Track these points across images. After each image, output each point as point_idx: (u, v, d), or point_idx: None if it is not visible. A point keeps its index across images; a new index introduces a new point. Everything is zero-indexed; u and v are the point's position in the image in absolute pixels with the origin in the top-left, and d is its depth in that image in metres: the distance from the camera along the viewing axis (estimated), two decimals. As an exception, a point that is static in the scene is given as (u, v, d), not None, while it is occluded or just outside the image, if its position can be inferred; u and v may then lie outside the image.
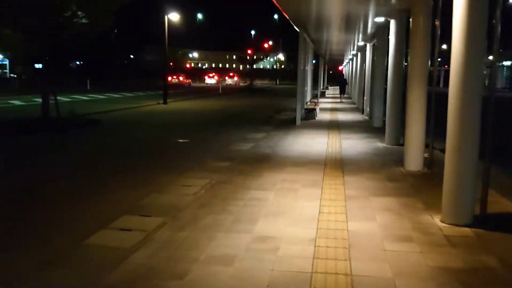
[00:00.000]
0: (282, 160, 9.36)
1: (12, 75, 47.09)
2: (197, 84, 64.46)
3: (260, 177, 7.77)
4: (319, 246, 4.58)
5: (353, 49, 26.58)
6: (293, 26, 16.18)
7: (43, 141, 12.01)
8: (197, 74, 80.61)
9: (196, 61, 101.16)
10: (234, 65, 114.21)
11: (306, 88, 20.59)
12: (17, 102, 25.42)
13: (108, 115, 19.03)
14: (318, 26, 15.72)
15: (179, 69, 74.02)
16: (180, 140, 12.16)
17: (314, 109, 18.28)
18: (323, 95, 37.16)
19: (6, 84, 37.43)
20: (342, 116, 19.57)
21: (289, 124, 16.25)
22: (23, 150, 10.73)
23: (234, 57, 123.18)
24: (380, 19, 12.62)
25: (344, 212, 5.77)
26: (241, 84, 67.96)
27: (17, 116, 16.05)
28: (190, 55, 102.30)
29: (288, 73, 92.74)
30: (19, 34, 32.37)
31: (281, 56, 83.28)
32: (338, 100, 30.80)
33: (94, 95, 33.62)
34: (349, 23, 15.16)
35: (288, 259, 4.26)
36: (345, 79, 32.72)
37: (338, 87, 32.30)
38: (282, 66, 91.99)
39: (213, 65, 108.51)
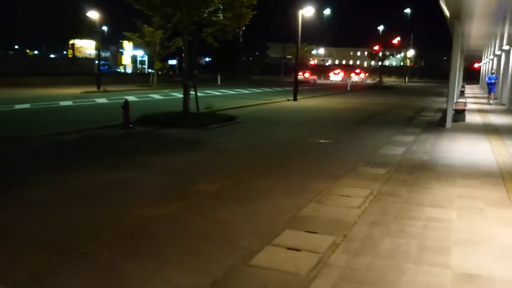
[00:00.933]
0: (446, 170, 8.14)
1: (150, 70, 50.20)
2: (321, 81, 63.52)
3: (429, 190, 6.70)
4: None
5: (506, 43, 23.68)
6: (444, 19, 14.55)
7: (193, 135, 12.04)
8: (322, 70, 79.70)
9: (321, 58, 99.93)
10: (358, 62, 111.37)
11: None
12: (156, 96, 26.70)
13: (242, 111, 18.96)
14: (482, 16, 13.91)
15: (304, 66, 73.54)
16: (321, 141, 11.41)
17: (464, 110, 16.39)
18: (461, 94, 34.05)
19: (146, 79, 39.80)
20: (496, 119, 17.37)
21: (436, 126, 14.69)
22: (177, 142, 10.79)
23: (359, 53, 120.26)
24: None
25: (561, 246, 4.54)
26: (367, 81, 65.66)
27: (161, 110, 16.55)
28: (314, 52, 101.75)
29: (417, 70, 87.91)
30: (161, 31, 34.08)
31: (411, 52, 78.83)
32: (484, 100, 27.83)
33: (224, 90, 34.34)
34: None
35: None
36: (496, 76, 28.51)
37: (486, 85, 28.73)
38: (410, 63, 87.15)
39: (337, 62, 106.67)
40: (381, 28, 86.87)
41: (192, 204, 5.97)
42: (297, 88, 26.35)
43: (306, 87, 42.13)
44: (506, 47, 24.83)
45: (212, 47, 17.12)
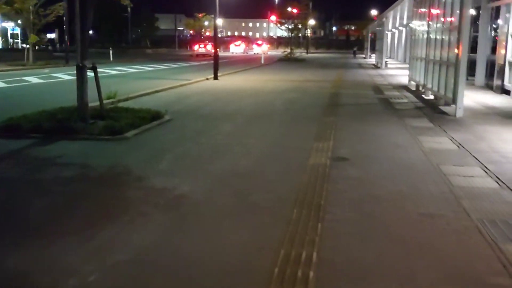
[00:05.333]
0: None
1: (24, 45, 41.77)
2: (222, 54, 58.34)
3: None
4: None
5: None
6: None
7: (100, 160, 6.78)
8: (220, 42, 74.57)
9: (219, 30, 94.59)
10: (257, 34, 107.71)
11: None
12: (33, 79, 20.18)
13: (160, 98, 13.76)
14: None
15: (202, 38, 68.03)
16: (339, 157, 6.87)
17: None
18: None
19: (20, 56, 32.09)
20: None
21: (438, 114, 10.90)
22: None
23: (258, 24, 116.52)
24: None
25: None
26: (269, 53, 62.00)
27: (41, 104, 10.84)
28: (206, 23, 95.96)
29: (322, 40, 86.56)
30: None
31: (311, 22, 76.45)
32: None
33: (121, 68, 28.31)
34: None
35: None
36: None
37: None
38: (310, 33, 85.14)
39: (230, 33, 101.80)
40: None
41: None
42: (217, 64, 21.41)
43: (211, 61, 37.08)
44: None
45: (94, 18, 11.36)
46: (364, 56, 53.43)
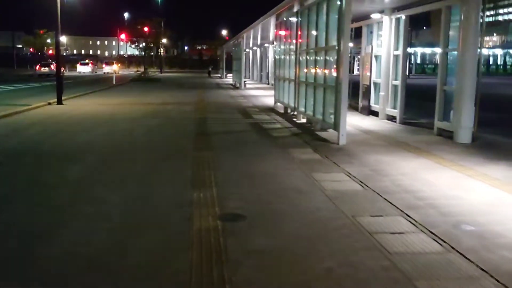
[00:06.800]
0: None
1: None
2: (68, 73, 53.31)
3: None
4: None
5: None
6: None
7: None
8: (65, 61, 68.65)
9: (63, 48, 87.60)
10: (106, 52, 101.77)
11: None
12: None
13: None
14: None
15: (45, 56, 61.88)
16: (234, 214, 5.18)
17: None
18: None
19: None
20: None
21: (319, 141, 9.88)
22: None
23: (106, 42, 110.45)
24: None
25: None
26: (120, 72, 58.60)
27: None
28: (49, 41, 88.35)
29: (175, 59, 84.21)
30: None
31: (164, 41, 74.36)
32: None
33: None
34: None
35: None
36: None
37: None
38: (163, 52, 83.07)
39: (77, 51, 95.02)
40: (128, 15, 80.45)
41: None
42: (62, 86, 18.46)
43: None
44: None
45: None
46: (220, 75, 53.05)
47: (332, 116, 10.31)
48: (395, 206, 5.56)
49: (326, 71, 10.71)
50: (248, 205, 5.62)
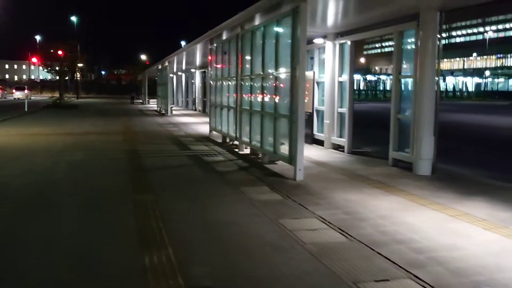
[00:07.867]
0: None
1: None
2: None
3: None
4: None
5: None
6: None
7: None
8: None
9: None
10: (12, 76, 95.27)
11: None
12: None
13: None
14: None
15: None
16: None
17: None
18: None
19: None
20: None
21: (273, 177, 8.87)
22: None
23: (16, 66, 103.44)
24: None
25: None
26: (32, 98, 54.57)
27: None
28: None
29: (92, 84, 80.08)
30: None
31: (80, 65, 70.58)
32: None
33: None
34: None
35: None
36: None
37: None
38: (79, 77, 78.91)
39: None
40: (40, 38, 76.04)
41: None
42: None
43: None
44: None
45: None
46: (142, 101, 50.93)
47: (284, 148, 9.39)
48: (395, 263, 4.64)
49: (277, 99, 9.80)
50: (217, 270, 4.44)
